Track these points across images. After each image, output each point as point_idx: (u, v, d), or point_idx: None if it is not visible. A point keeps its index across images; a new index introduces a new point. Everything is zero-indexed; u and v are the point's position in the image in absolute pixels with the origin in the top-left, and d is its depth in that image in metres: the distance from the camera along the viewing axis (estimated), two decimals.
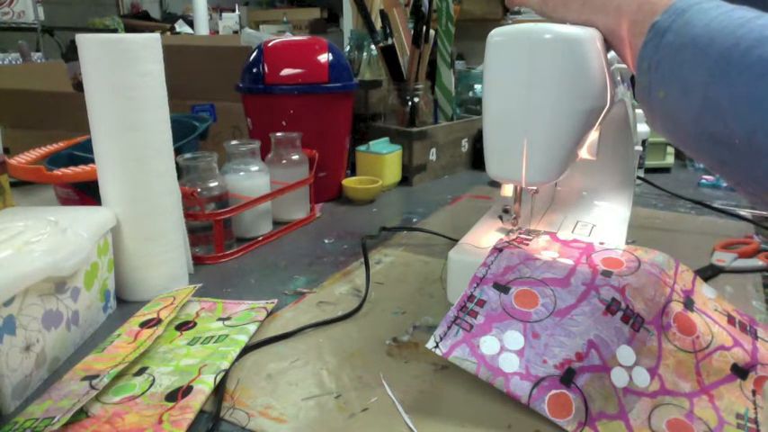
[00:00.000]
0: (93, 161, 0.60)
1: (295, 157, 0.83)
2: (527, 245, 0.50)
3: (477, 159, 1.18)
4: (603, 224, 0.64)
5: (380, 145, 1.00)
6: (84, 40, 0.54)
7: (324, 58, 0.88)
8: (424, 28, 0.99)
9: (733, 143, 0.35)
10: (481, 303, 0.45)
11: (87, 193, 0.70)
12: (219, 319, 0.55)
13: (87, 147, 0.63)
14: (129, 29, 3.38)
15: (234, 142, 0.77)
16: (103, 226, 0.56)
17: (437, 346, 0.44)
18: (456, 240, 0.60)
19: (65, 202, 0.75)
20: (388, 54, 1.02)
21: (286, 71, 0.86)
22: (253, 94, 0.88)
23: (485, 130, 0.50)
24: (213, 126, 0.90)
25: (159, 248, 0.60)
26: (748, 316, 0.47)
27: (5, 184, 0.61)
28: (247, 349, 0.50)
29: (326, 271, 0.67)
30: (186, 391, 0.43)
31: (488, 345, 0.43)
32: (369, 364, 0.48)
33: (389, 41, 1.02)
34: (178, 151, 0.65)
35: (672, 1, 0.39)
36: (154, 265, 0.60)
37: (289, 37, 1.03)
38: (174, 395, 0.43)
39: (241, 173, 0.76)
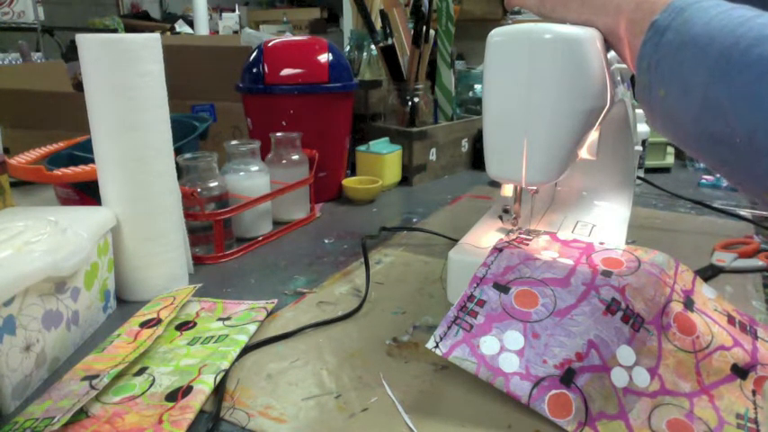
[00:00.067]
0: (93, 161, 0.60)
1: (295, 157, 0.83)
2: (527, 245, 0.50)
3: (477, 159, 1.18)
4: (603, 224, 0.64)
5: (380, 145, 1.00)
6: (84, 40, 0.54)
7: (324, 58, 0.88)
8: (424, 28, 0.99)
9: (734, 142, 0.35)
10: (481, 303, 0.45)
11: (87, 193, 0.70)
12: (219, 319, 0.55)
13: (87, 147, 0.63)
14: (129, 29, 3.38)
15: (234, 142, 0.77)
16: (103, 226, 0.56)
17: (437, 346, 0.44)
18: (456, 240, 0.60)
19: (65, 202, 0.75)
20: (388, 54, 1.02)
21: (286, 71, 0.86)
22: (253, 94, 0.88)
23: (485, 130, 0.50)
24: (213, 126, 0.90)
25: (159, 248, 0.60)
26: (748, 316, 0.47)
27: (5, 184, 0.61)
28: (247, 349, 0.50)
29: (326, 271, 0.67)
30: (186, 391, 0.43)
31: (488, 345, 0.43)
32: (369, 364, 0.48)
33: (389, 41, 1.02)
34: (178, 151, 0.65)
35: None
36: (154, 265, 0.60)
37: (289, 37, 1.03)
38: (174, 395, 0.43)
39: (241, 173, 0.76)
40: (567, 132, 0.47)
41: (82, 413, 0.41)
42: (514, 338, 0.43)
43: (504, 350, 0.43)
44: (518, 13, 1.93)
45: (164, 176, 0.59)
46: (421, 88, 1.05)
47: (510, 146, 0.48)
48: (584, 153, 0.56)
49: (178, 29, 3.47)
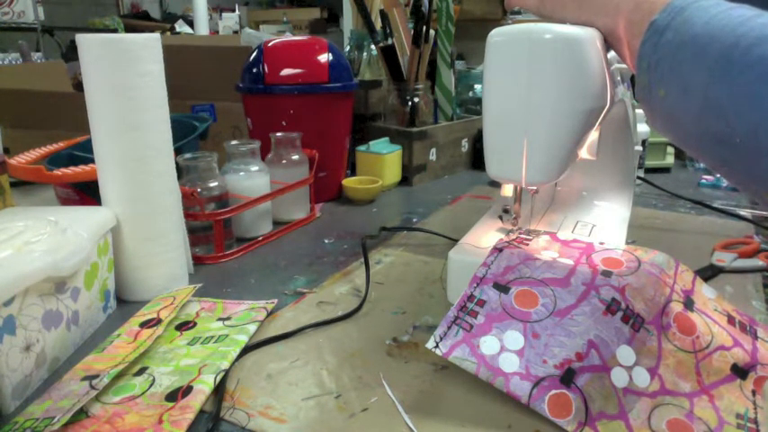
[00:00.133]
0: (93, 161, 0.60)
1: (295, 157, 0.83)
2: (527, 245, 0.50)
3: (477, 159, 1.18)
4: (603, 224, 0.64)
5: (380, 145, 1.00)
6: (84, 40, 0.54)
7: (324, 58, 0.88)
8: (424, 28, 0.99)
9: (734, 142, 0.35)
10: (481, 303, 0.45)
11: (87, 193, 0.70)
12: (219, 319, 0.55)
13: (87, 147, 0.63)
14: (129, 29, 3.38)
15: (234, 142, 0.77)
16: (103, 226, 0.56)
17: (437, 346, 0.44)
18: (456, 240, 0.60)
19: (65, 202, 0.75)
20: (388, 54, 1.02)
21: (286, 71, 0.86)
22: (253, 94, 0.88)
23: (485, 130, 0.50)
24: (213, 126, 0.90)
25: (159, 248, 0.60)
26: (748, 316, 0.47)
27: (5, 184, 0.61)
28: (247, 349, 0.50)
29: (326, 271, 0.67)
30: (186, 391, 0.43)
31: (488, 345, 0.43)
32: (369, 364, 0.48)
33: (389, 41, 1.02)
34: (178, 151, 0.65)
35: None
36: (154, 265, 0.60)
37: (289, 37, 1.03)
38: (174, 395, 0.43)
39: (241, 173, 0.76)
40: (567, 132, 0.47)
41: (82, 413, 0.41)
42: (514, 338, 0.43)
43: (504, 350, 0.43)
44: (518, 13, 1.93)
45: (164, 176, 0.59)
46: (421, 88, 1.05)
47: (510, 146, 0.48)
48: (584, 153, 0.56)
49: (178, 29, 3.47)
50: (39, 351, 0.46)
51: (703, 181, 1.03)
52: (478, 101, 1.25)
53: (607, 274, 0.44)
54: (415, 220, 0.85)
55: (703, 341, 0.43)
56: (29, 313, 0.45)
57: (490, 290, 0.46)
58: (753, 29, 0.33)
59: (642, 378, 0.41)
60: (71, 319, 0.51)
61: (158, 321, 0.52)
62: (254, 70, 0.87)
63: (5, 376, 0.42)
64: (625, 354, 0.42)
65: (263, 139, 0.82)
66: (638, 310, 0.43)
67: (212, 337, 0.51)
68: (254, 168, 0.77)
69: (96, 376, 0.44)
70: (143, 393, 0.44)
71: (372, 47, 1.12)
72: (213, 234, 0.70)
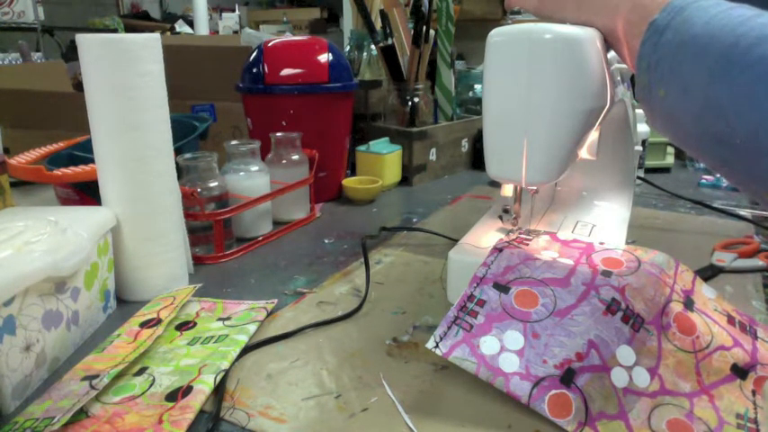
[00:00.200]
0: (93, 161, 0.60)
1: (295, 157, 0.83)
2: (527, 245, 0.50)
3: (477, 159, 1.18)
4: (603, 224, 0.64)
5: (380, 145, 1.00)
6: (84, 40, 0.54)
7: (324, 58, 0.88)
8: (424, 28, 0.99)
9: (734, 143, 0.35)
10: (481, 303, 0.45)
11: (87, 193, 0.70)
12: (219, 319, 0.55)
13: (87, 147, 0.63)
14: (129, 29, 3.38)
15: (234, 142, 0.77)
16: (103, 226, 0.56)
17: (437, 346, 0.44)
18: (456, 240, 0.60)
19: (65, 202, 0.75)
20: (388, 54, 1.02)
21: (286, 71, 0.86)
22: (253, 94, 0.88)
23: (485, 130, 0.50)
24: (213, 126, 0.90)
25: (159, 248, 0.60)
26: (748, 316, 0.47)
27: (5, 184, 0.61)
28: (247, 349, 0.50)
29: (326, 271, 0.67)
30: (186, 391, 0.43)
31: (488, 345, 0.43)
32: (369, 364, 0.48)
33: (389, 41, 1.02)
34: (178, 151, 0.65)
35: None
36: (154, 265, 0.60)
37: (289, 37, 1.03)
38: (174, 395, 0.43)
39: (241, 173, 0.76)
40: (567, 132, 0.47)
41: (82, 413, 0.41)
42: (514, 338, 0.43)
43: (504, 350, 0.43)
44: (518, 13, 1.93)
45: (164, 176, 0.59)
46: (421, 88, 1.05)
47: (510, 146, 0.48)
48: (584, 153, 0.56)
49: (178, 29, 3.47)
50: (39, 351, 0.46)
51: (703, 181, 1.03)
52: (478, 101, 1.25)
53: (607, 274, 0.44)
54: (415, 220, 0.85)
55: (703, 341, 0.43)
56: (29, 313, 0.45)
57: (490, 290, 0.46)
58: (753, 29, 0.33)
59: (642, 378, 0.41)
60: (71, 319, 0.51)
61: (158, 321, 0.52)
62: (254, 70, 0.87)
63: (5, 376, 0.42)
64: (625, 354, 0.42)
65: (263, 139, 0.82)
66: (638, 310, 0.43)
67: (212, 337, 0.51)
68: (254, 168, 0.77)
69: (96, 376, 0.44)
70: (143, 393, 0.44)
71: (372, 47, 1.12)
72: (213, 234, 0.70)
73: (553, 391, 0.40)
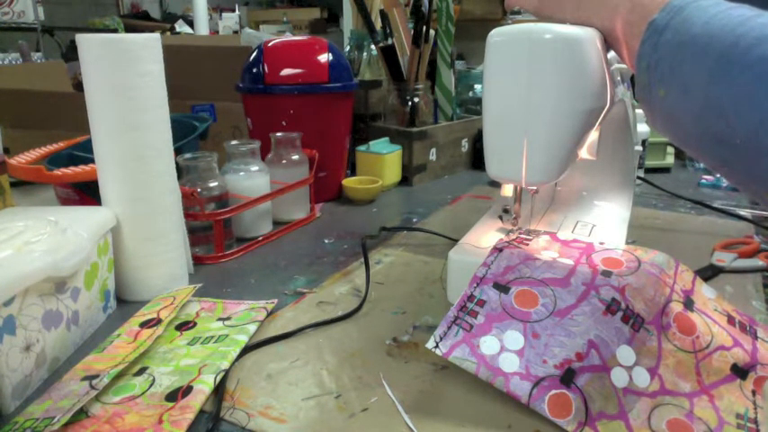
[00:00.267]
0: (93, 161, 0.60)
1: (295, 157, 0.83)
2: (527, 245, 0.50)
3: (477, 159, 1.18)
4: (603, 224, 0.64)
5: (380, 145, 1.00)
6: (84, 40, 0.54)
7: (324, 58, 0.88)
8: (424, 28, 0.99)
9: (734, 143, 0.35)
10: (481, 303, 0.45)
11: (87, 193, 0.70)
12: (219, 319, 0.55)
13: (87, 147, 0.63)
14: (129, 29, 3.38)
15: (234, 142, 0.77)
16: (103, 226, 0.56)
17: (437, 346, 0.44)
18: (456, 240, 0.60)
19: (65, 202, 0.75)
20: (388, 54, 1.02)
21: (286, 71, 0.86)
22: (253, 94, 0.88)
23: (485, 130, 0.50)
24: (213, 126, 0.90)
25: (159, 248, 0.60)
26: (748, 316, 0.47)
27: (5, 184, 0.61)
28: (247, 349, 0.50)
29: (326, 271, 0.67)
30: (186, 391, 0.43)
31: (488, 345, 0.43)
32: (369, 364, 0.48)
33: (389, 41, 1.02)
34: (178, 151, 0.65)
35: None
36: (154, 265, 0.60)
37: (289, 37, 1.04)
38: (174, 395, 0.43)
39: (241, 173, 0.76)
40: (567, 132, 0.47)
41: (82, 413, 0.41)
42: (514, 338, 0.43)
43: (504, 350, 0.43)
44: (518, 13, 1.93)
45: (164, 176, 0.59)
46: (421, 88, 1.05)
47: (510, 146, 0.48)
48: (584, 153, 0.56)
49: (178, 29, 3.47)
50: (39, 351, 0.46)
51: (703, 181, 1.03)
52: (478, 101, 1.25)
53: (607, 274, 0.44)
54: (415, 220, 0.85)
55: (703, 341, 0.43)
56: (29, 313, 0.45)
57: (490, 290, 0.46)
58: (752, 29, 0.33)
59: (642, 378, 0.41)
60: (71, 319, 0.51)
61: (158, 321, 0.52)
62: (254, 70, 0.87)
63: (5, 376, 0.42)
64: (625, 354, 0.42)
65: (263, 139, 0.82)
66: (638, 310, 0.43)
67: (212, 337, 0.51)
68: (254, 168, 0.77)
69: (96, 376, 0.44)
70: (143, 393, 0.44)
71: (372, 47, 1.12)
72: (213, 234, 0.70)
73: (553, 391, 0.40)
